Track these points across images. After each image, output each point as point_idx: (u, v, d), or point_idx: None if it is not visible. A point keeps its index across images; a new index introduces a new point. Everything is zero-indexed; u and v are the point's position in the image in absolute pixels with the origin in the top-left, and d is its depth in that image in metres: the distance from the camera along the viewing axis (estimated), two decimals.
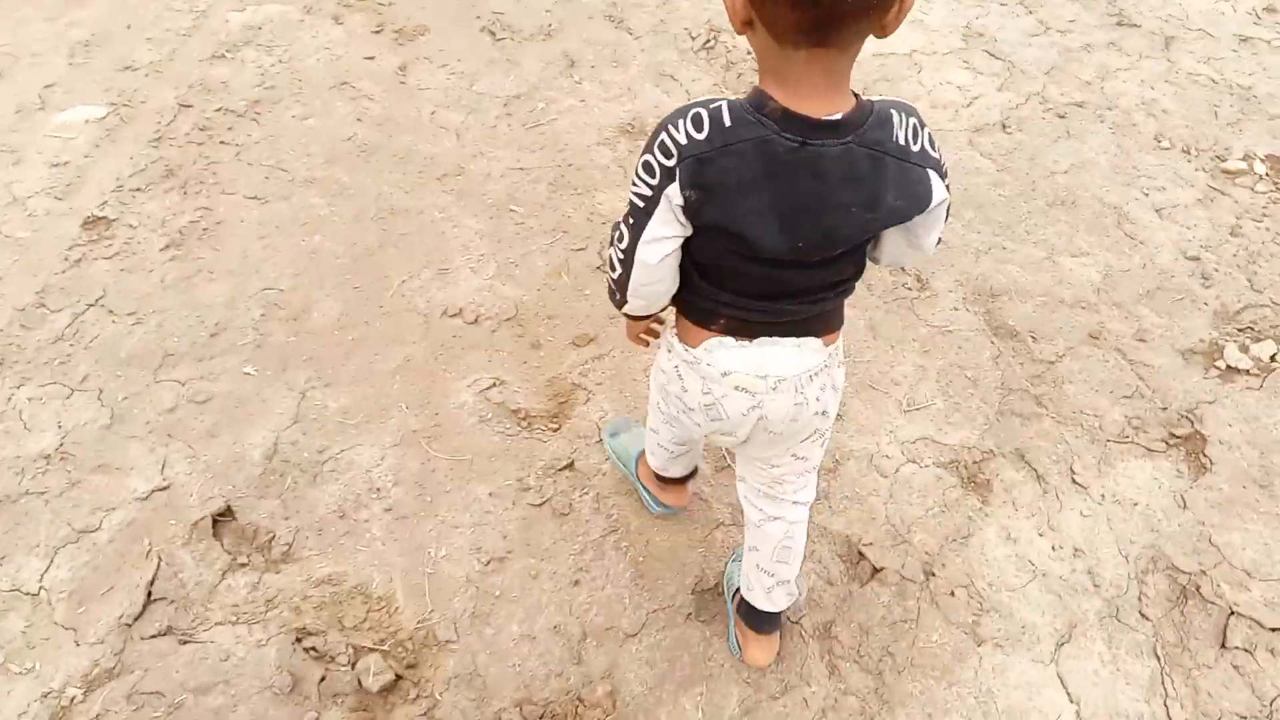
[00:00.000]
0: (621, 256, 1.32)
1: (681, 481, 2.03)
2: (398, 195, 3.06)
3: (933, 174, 1.21)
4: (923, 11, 4.22)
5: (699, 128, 1.15)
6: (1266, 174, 3.29)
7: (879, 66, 3.83)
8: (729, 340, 1.38)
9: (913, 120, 1.19)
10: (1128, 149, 3.41)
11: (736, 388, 1.40)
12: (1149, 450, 2.38)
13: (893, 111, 1.18)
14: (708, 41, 3.90)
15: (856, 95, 1.17)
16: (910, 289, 2.83)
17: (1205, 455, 2.37)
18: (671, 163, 1.17)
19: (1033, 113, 3.59)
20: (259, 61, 3.66)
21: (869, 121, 1.15)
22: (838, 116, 1.13)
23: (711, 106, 1.15)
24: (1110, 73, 3.83)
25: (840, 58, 1.11)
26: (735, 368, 1.38)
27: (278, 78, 3.57)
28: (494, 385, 2.45)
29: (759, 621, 1.82)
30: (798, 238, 1.20)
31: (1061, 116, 3.57)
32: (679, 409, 1.51)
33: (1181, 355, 2.64)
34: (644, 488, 2.11)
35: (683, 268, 1.35)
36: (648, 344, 1.66)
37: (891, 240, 1.34)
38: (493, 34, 3.90)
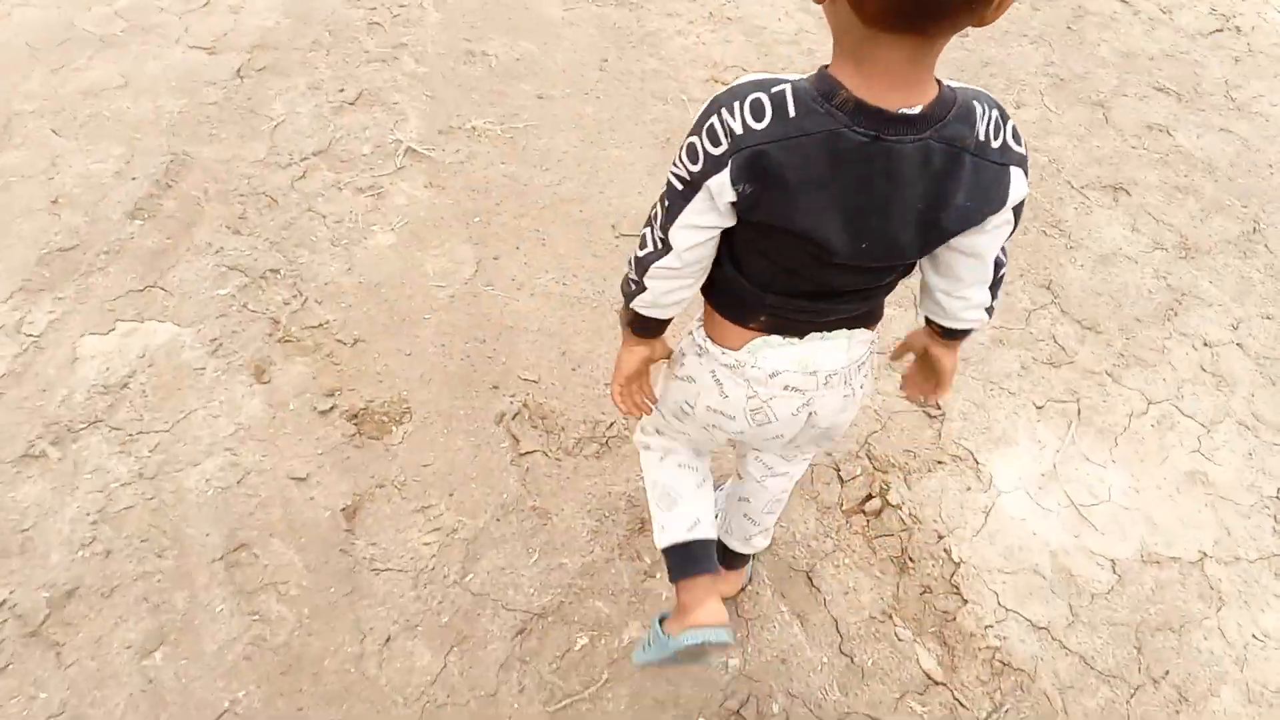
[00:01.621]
0: (652, 236, 1.22)
1: (698, 571, 1.50)
2: None
3: (1014, 170, 1.09)
4: None
5: (759, 115, 1.03)
6: None
7: None
8: (775, 338, 1.29)
9: (994, 112, 1.06)
10: None
11: (786, 387, 1.32)
12: None
13: (975, 103, 1.05)
14: None
15: (939, 82, 1.03)
16: None
17: None
18: (719, 151, 1.06)
19: None
20: (98, 481, 2.06)
21: (950, 115, 1.02)
22: (917, 109, 1.01)
23: (774, 91, 1.03)
24: None
25: (930, 47, 0.98)
26: (784, 366, 1.31)
27: (116, 542, 1.99)
28: None
29: (732, 559, 1.88)
30: (862, 239, 1.09)
31: None
32: (712, 421, 1.40)
33: None
34: (659, 626, 1.55)
35: (719, 261, 1.24)
36: (636, 411, 1.48)
37: (950, 253, 1.18)
38: (515, 439, 2.27)
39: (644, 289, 1.27)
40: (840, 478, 2.27)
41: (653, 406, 1.51)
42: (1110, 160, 3.34)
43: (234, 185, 2.77)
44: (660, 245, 1.21)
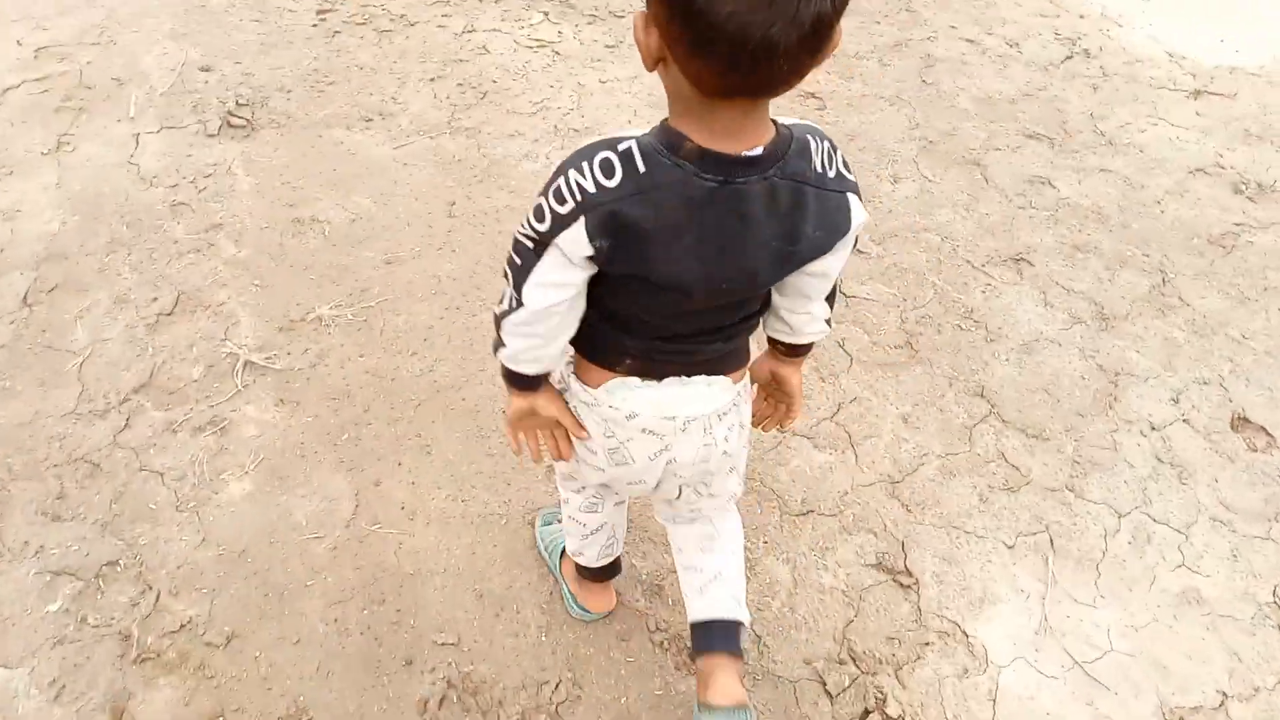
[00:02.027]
0: (507, 293, 1.24)
1: (601, 578, 1.87)
2: None
3: (851, 196, 1.17)
4: None
5: (609, 173, 1.07)
6: None
7: None
8: (633, 380, 1.32)
9: (826, 144, 1.15)
10: None
11: (644, 430, 1.35)
12: None
13: (809, 138, 1.12)
14: None
15: (774, 122, 1.10)
16: None
17: None
18: (566, 210, 1.09)
19: None
20: None
21: (790, 151, 1.09)
22: (759, 151, 1.07)
23: (620, 149, 1.08)
24: None
25: (766, 103, 1.05)
26: (641, 409, 1.33)
27: None
28: None
29: (709, 639, 1.64)
30: (721, 279, 1.15)
31: None
32: (579, 453, 1.44)
33: None
34: (565, 584, 1.99)
35: (586, 313, 1.26)
36: (537, 455, 1.47)
37: (799, 276, 1.24)
38: None
39: (504, 344, 1.29)
40: (828, 692, 1.98)
41: (560, 451, 1.48)
42: (1002, 228, 3.18)
43: (43, 454, 2.29)
44: (514, 303, 1.23)
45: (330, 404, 2.45)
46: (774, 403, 1.58)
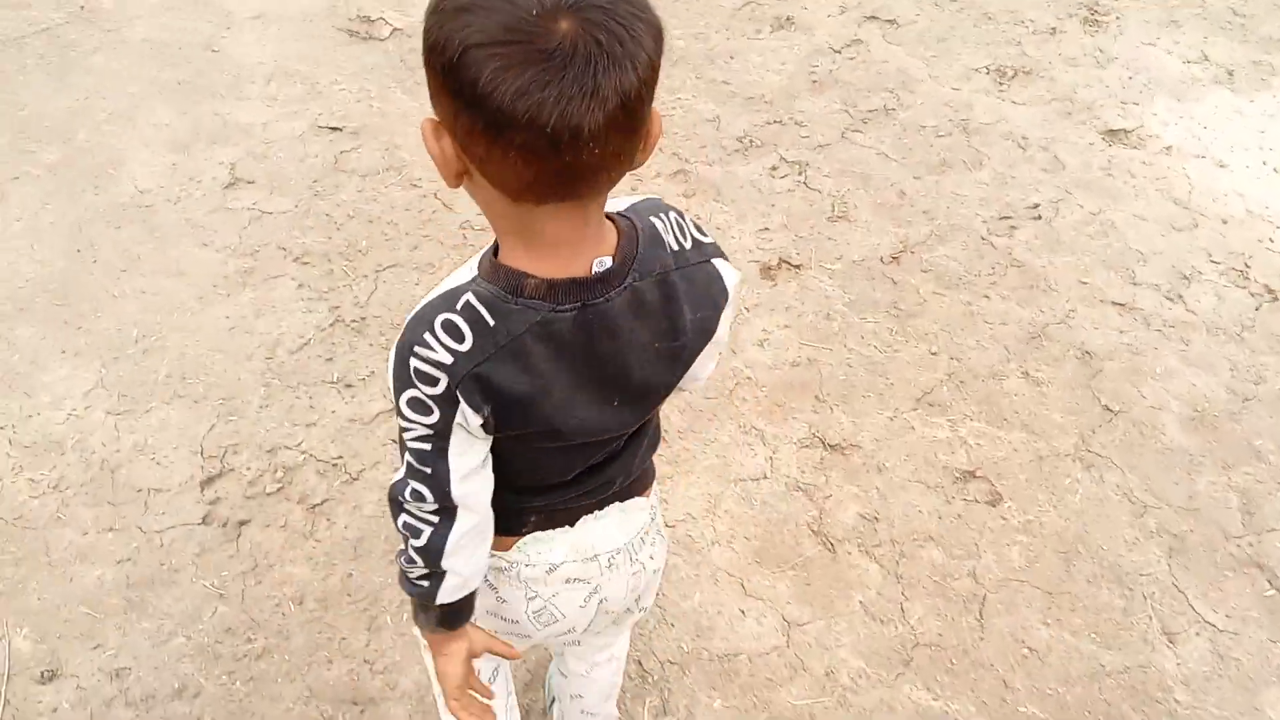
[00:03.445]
0: (419, 519, 1.06)
1: None
2: None
3: (717, 261, 1.06)
4: None
5: (457, 336, 0.93)
6: None
7: None
8: (544, 534, 1.19)
9: (672, 215, 1.04)
10: None
11: (568, 580, 1.22)
12: None
13: (654, 219, 1.01)
14: None
15: (613, 219, 0.98)
16: None
17: None
18: (440, 388, 0.95)
19: None
20: None
21: (640, 249, 0.97)
22: (609, 262, 0.95)
23: (459, 305, 0.94)
24: None
25: (593, 204, 0.92)
26: (560, 558, 1.20)
27: None
28: None
29: None
30: (613, 403, 1.04)
31: None
32: (493, 627, 1.26)
33: None
34: None
35: None
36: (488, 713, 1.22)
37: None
38: None
39: (443, 574, 1.10)
40: None
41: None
42: None
43: None
44: (440, 519, 1.06)
45: None
46: None
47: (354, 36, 3.57)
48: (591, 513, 1.20)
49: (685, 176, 3.09)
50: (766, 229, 2.94)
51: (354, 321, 2.60)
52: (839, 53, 3.61)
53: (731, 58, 3.56)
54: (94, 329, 2.53)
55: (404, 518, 1.07)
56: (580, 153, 0.80)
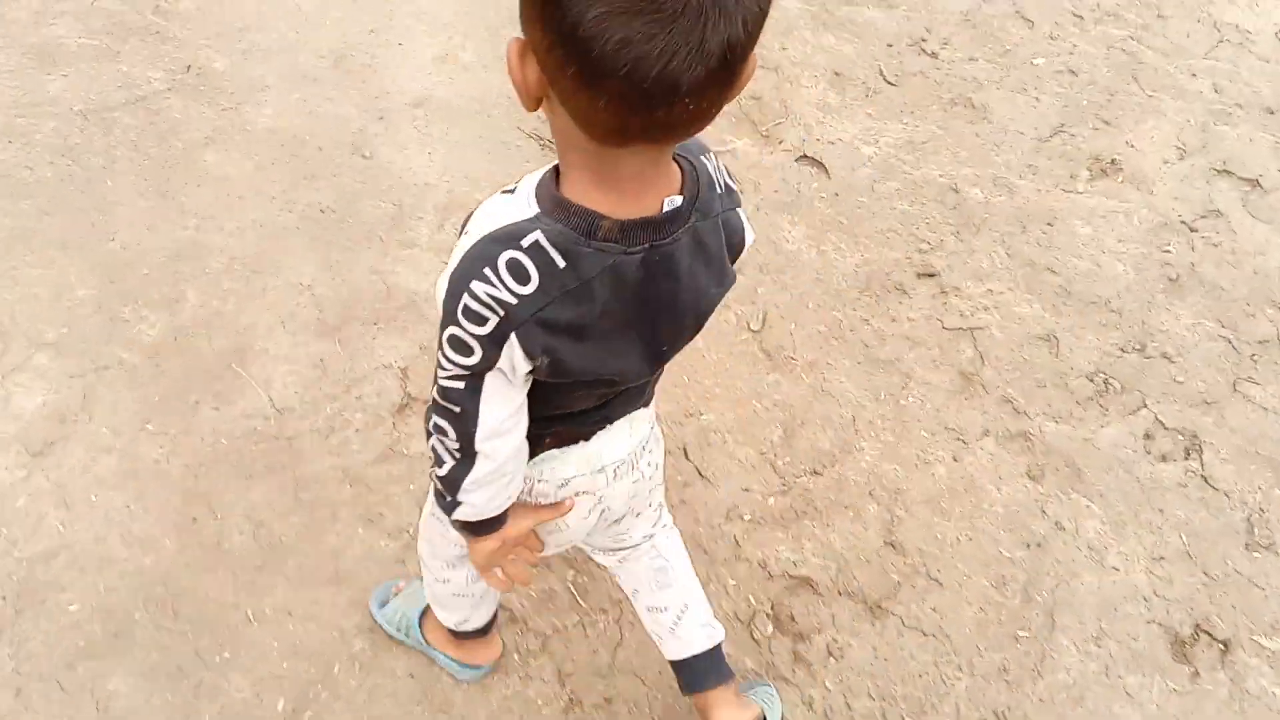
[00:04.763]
0: (446, 450, 1.07)
1: (487, 632, 1.67)
2: None
3: (741, 212, 1.07)
4: None
5: (523, 278, 0.91)
6: None
7: None
8: (559, 450, 1.20)
9: (714, 157, 1.02)
10: None
11: (576, 494, 1.25)
12: None
13: (703, 160, 0.99)
14: None
15: (675, 159, 0.95)
16: None
17: None
18: (489, 329, 0.93)
19: None
20: None
21: (701, 190, 0.96)
22: (679, 201, 0.93)
23: (527, 244, 0.90)
24: None
25: (670, 147, 0.91)
26: (572, 472, 1.23)
27: None
28: None
29: (697, 677, 1.56)
30: (662, 345, 1.06)
31: None
32: None
33: None
34: (442, 654, 1.73)
35: None
36: (525, 579, 1.30)
37: None
38: None
39: (459, 504, 1.11)
40: None
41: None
42: None
43: None
44: (460, 458, 1.06)
45: None
46: None
47: (548, 146, 2.68)
48: (604, 427, 1.21)
49: (1028, 442, 2.18)
50: (1161, 558, 2.03)
51: None
52: (1194, 230, 2.66)
53: (1050, 224, 2.65)
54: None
55: (432, 440, 1.08)
56: (674, 107, 0.77)
